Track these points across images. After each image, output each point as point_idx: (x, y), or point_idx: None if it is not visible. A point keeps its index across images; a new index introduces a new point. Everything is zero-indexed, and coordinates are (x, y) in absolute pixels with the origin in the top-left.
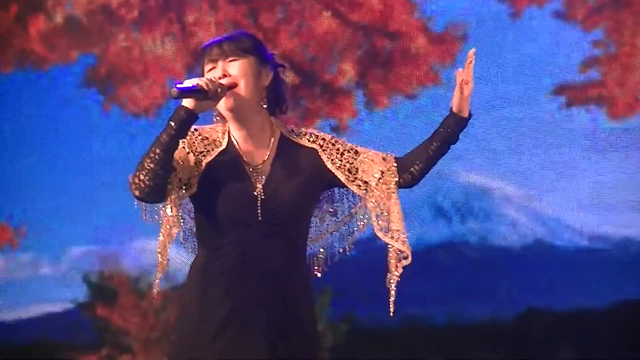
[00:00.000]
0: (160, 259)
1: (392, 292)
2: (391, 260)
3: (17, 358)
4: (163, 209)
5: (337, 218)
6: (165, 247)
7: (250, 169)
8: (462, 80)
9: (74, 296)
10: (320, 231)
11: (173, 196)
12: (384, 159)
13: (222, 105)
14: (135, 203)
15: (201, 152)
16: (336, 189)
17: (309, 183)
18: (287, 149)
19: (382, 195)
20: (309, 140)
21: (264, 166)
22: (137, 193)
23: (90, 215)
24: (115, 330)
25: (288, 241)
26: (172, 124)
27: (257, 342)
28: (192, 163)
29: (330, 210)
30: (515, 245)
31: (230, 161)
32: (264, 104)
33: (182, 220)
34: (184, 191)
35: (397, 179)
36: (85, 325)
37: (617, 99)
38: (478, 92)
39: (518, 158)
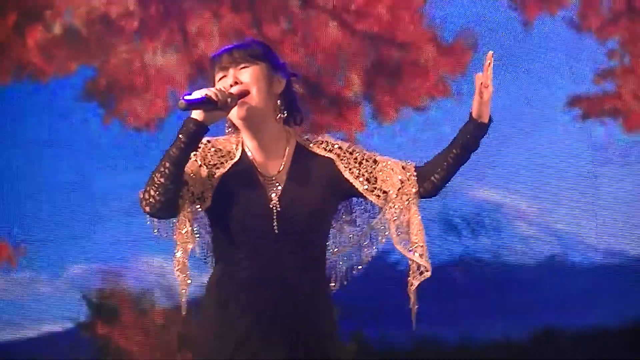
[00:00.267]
0: (182, 276)
1: (414, 308)
2: (411, 274)
3: None
4: (177, 224)
5: (356, 229)
6: (183, 264)
7: (265, 180)
8: (481, 83)
9: (74, 315)
10: (340, 243)
11: (186, 211)
12: (403, 167)
13: (234, 114)
14: (147, 219)
15: (214, 165)
16: (355, 199)
17: (326, 193)
18: (302, 159)
19: (402, 206)
20: (325, 149)
21: (279, 177)
22: (147, 209)
23: (90, 232)
24: (116, 350)
25: (306, 253)
26: (182, 137)
27: (278, 358)
28: (205, 176)
29: (349, 220)
30: (529, 262)
31: (244, 173)
32: (278, 112)
33: (197, 235)
34: (197, 205)
35: (417, 189)
36: (85, 345)
37: (632, 111)
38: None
39: (531, 171)
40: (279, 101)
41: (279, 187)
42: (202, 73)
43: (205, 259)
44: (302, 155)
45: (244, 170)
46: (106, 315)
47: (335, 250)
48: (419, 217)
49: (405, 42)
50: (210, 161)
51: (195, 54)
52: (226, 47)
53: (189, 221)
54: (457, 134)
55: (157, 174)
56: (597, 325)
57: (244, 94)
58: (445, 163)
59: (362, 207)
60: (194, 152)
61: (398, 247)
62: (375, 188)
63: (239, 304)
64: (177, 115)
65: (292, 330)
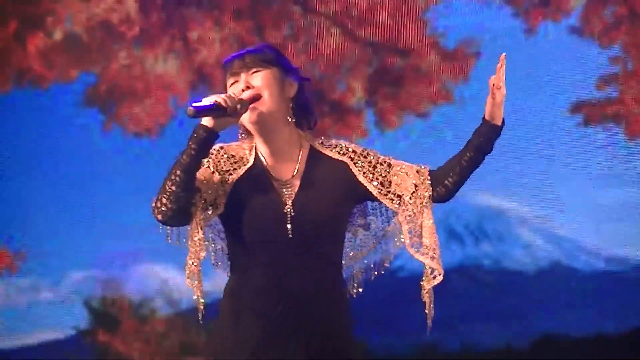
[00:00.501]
0: (195, 283)
1: (429, 312)
2: (424, 278)
3: None
4: (189, 232)
5: (371, 232)
6: (194, 271)
7: (279, 185)
8: (494, 85)
9: (75, 322)
10: (358, 247)
11: (198, 218)
12: (417, 171)
13: (247, 118)
14: (160, 227)
15: (227, 171)
16: (369, 202)
17: (340, 197)
18: (316, 162)
19: (415, 210)
20: (339, 153)
21: (293, 181)
22: (159, 217)
23: (91, 238)
24: (117, 357)
25: (321, 258)
26: (192, 144)
27: None
28: (217, 182)
29: (363, 223)
30: (530, 268)
31: (257, 178)
32: (290, 117)
33: (212, 242)
34: (210, 212)
35: (430, 193)
36: (86, 352)
37: (635, 117)
38: None
39: (533, 178)
40: (291, 105)
41: (293, 192)
42: (202, 80)
43: (216, 266)
44: (315, 159)
45: (258, 175)
46: (107, 322)
47: (352, 255)
48: (432, 221)
49: (407, 48)
50: (223, 167)
51: (196, 60)
52: (237, 52)
53: (201, 228)
54: (471, 137)
55: (168, 182)
56: (598, 332)
57: (256, 98)
58: (458, 167)
59: (377, 211)
60: (208, 159)
61: (411, 250)
62: (389, 192)
63: (253, 313)
64: (178, 121)
65: (310, 338)
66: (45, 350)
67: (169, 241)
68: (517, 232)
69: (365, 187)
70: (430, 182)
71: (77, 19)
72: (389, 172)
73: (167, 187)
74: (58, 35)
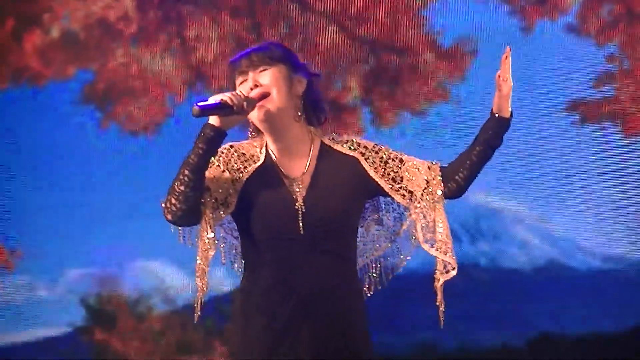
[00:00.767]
0: (200, 284)
1: (441, 307)
2: (437, 272)
3: None
4: (199, 231)
5: (384, 228)
6: (203, 270)
7: (290, 182)
8: (500, 77)
9: (72, 320)
10: (371, 244)
11: (208, 217)
12: (429, 167)
13: (255, 116)
14: (172, 228)
15: (238, 169)
16: (381, 198)
17: (351, 192)
18: (327, 158)
19: (427, 206)
20: (350, 148)
21: (304, 178)
22: (169, 217)
23: (87, 236)
24: (113, 355)
25: (332, 254)
26: (199, 143)
27: None
28: (228, 181)
29: (376, 218)
30: (527, 267)
31: (268, 175)
32: (300, 113)
33: (224, 241)
34: (221, 212)
35: (442, 189)
36: (83, 350)
37: (631, 115)
38: (488, 109)
39: (529, 177)
40: (300, 102)
41: (304, 188)
42: (200, 78)
43: (231, 265)
44: (326, 155)
45: (268, 172)
46: (104, 320)
47: (367, 253)
48: (445, 216)
49: (404, 47)
50: (233, 166)
51: (193, 58)
52: (244, 51)
53: (210, 227)
54: (479, 132)
55: (176, 182)
56: (595, 331)
57: (265, 96)
58: (468, 161)
59: (389, 206)
60: (218, 157)
61: (425, 246)
62: (400, 187)
63: (261, 313)
64: (175, 120)
65: (315, 335)
66: (41, 348)
67: (181, 241)
68: (513, 230)
69: (377, 182)
70: (441, 178)
71: (74, 16)
72: (400, 168)
73: (176, 187)
74: (55, 32)
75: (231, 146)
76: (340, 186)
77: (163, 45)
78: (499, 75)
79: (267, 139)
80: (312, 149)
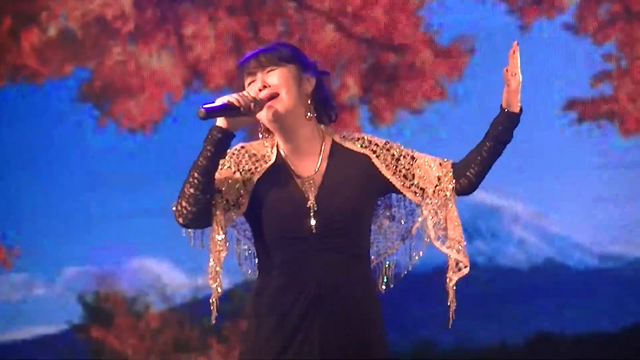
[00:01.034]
0: (214, 286)
1: (452, 306)
2: (449, 270)
3: None
4: (211, 233)
5: (396, 225)
6: (216, 272)
7: (302, 181)
8: (508, 72)
9: (69, 318)
10: (384, 241)
11: (219, 219)
12: (440, 164)
13: (264, 116)
14: (183, 231)
15: (249, 170)
16: (394, 195)
17: (362, 190)
18: (338, 157)
19: (439, 203)
20: (361, 146)
21: (315, 176)
22: (180, 220)
23: (85, 234)
24: (111, 353)
25: (346, 253)
26: (208, 146)
27: None
28: (240, 182)
29: (388, 215)
30: (524, 266)
31: (280, 175)
32: (310, 112)
33: (237, 243)
34: (232, 213)
35: (453, 186)
36: (80, 348)
37: (628, 114)
38: (486, 108)
39: (527, 175)
40: (309, 101)
41: (316, 187)
42: (197, 76)
43: (241, 266)
44: (337, 153)
45: (280, 172)
46: (101, 318)
47: (380, 251)
48: (457, 213)
49: (402, 45)
50: (244, 167)
51: (190, 56)
52: (252, 52)
53: (221, 229)
54: (489, 127)
55: (186, 185)
56: (592, 329)
57: (273, 96)
58: (479, 157)
59: (401, 203)
60: (229, 158)
61: (436, 243)
62: (412, 184)
63: (273, 314)
64: (172, 118)
65: (325, 333)
66: (39, 345)
67: (192, 244)
68: (510, 229)
69: (388, 179)
70: (453, 175)
71: (71, 14)
72: (412, 165)
73: (186, 190)
74: (52, 31)
75: (242, 147)
76: (351, 184)
77: (160, 43)
78: (506, 70)
79: (278, 138)
80: (323, 147)
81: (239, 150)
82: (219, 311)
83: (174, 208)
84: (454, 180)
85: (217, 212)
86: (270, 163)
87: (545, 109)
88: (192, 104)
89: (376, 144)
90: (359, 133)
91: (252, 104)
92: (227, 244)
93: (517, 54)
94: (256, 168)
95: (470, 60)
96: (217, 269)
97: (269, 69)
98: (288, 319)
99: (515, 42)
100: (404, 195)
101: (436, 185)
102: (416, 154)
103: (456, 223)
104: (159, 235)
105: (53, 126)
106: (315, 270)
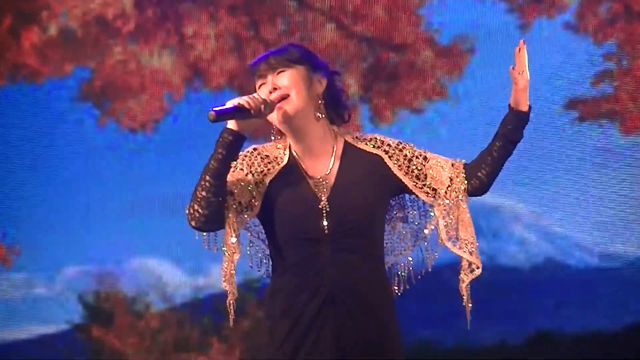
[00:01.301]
0: (229, 288)
1: (467, 306)
2: (462, 271)
3: None
4: (224, 235)
5: (409, 226)
6: (230, 274)
7: (314, 182)
8: (516, 70)
9: (69, 317)
10: (397, 242)
11: (232, 221)
12: (452, 165)
13: (275, 118)
14: (196, 234)
15: (261, 172)
16: (406, 195)
17: (375, 190)
18: (351, 157)
19: (451, 203)
20: (374, 146)
21: (328, 177)
22: (193, 223)
23: (85, 233)
24: (111, 352)
25: (359, 254)
26: (219, 148)
27: None
28: (252, 184)
29: (401, 216)
30: (525, 265)
31: (292, 176)
32: (321, 113)
33: (250, 245)
34: (245, 215)
35: (465, 186)
36: (80, 347)
37: (629, 113)
38: (486, 107)
39: (527, 174)
40: (320, 102)
41: (328, 188)
42: (198, 75)
43: (256, 268)
44: (350, 153)
45: (292, 173)
46: (101, 317)
47: (394, 253)
48: (468, 214)
49: (402, 44)
50: (257, 168)
51: (191, 56)
52: (262, 54)
53: (234, 231)
54: (499, 127)
55: (199, 188)
56: (592, 328)
57: (284, 98)
58: (489, 158)
59: (414, 204)
60: (241, 161)
61: (448, 244)
62: (424, 185)
63: (286, 315)
64: (173, 117)
65: (348, 336)
66: (39, 345)
67: (206, 247)
68: (511, 228)
69: (401, 180)
70: (465, 176)
71: (72, 13)
72: (424, 166)
73: (198, 193)
74: (53, 30)
75: (254, 149)
76: (364, 185)
77: (161, 42)
78: (513, 68)
79: (290, 139)
80: (335, 148)
81: (251, 153)
82: (219, 310)
83: (186, 211)
84: (465, 182)
85: (230, 215)
86: (282, 164)
87: (546, 108)
88: (192, 103)
89: (389, 145)
90: (371, 134)
91: (262, 106)
92: (241, 247)
93: (524, 51)
94: (268, 170)
95: (471, 59)
96: (232, 271)
97: (279, 70)
98: (302, 320)
99: (522, 40)
100: (417, 196)
101: (448, 186)
102: (429, 155)
103: (468, 224)
104: (159, 235)
105: (53, 125)
106: (328, 271)
